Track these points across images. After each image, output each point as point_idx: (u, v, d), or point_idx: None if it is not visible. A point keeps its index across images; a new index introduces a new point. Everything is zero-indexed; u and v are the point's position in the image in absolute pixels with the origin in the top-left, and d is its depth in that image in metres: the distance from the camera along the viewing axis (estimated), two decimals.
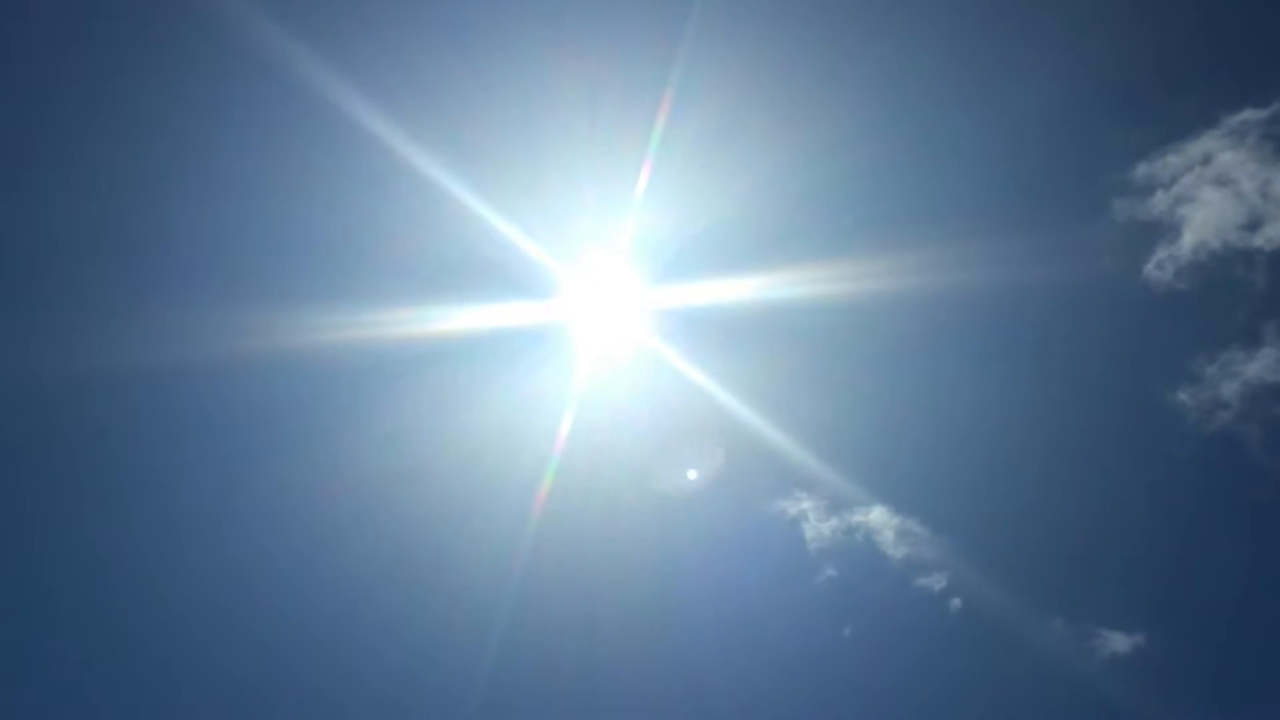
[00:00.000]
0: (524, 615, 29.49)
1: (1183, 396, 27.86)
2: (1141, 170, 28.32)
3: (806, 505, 29.52)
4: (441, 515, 30.08)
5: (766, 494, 30.03)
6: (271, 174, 31.12)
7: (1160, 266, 27.86)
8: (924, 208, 30.44)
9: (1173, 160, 27.86)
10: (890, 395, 30.50)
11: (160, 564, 29.86)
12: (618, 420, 31.42)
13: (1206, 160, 27.66)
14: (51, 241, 30.77)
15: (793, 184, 30.95)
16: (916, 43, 30.90)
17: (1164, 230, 28.11)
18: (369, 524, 29.99)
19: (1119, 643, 27.42)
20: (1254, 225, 27.48)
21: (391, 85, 30.60)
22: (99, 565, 30.06)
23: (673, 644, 29.30)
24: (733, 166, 31.26)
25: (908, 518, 28.98)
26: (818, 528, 29.29)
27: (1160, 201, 27.95)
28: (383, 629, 29.71)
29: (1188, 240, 27.64)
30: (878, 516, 29.09)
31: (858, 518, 29.23)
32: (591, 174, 31.19)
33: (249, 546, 29.99)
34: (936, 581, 28.49)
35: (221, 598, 29.73)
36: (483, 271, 30.87)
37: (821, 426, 30.10)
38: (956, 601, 28.37)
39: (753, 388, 30.60)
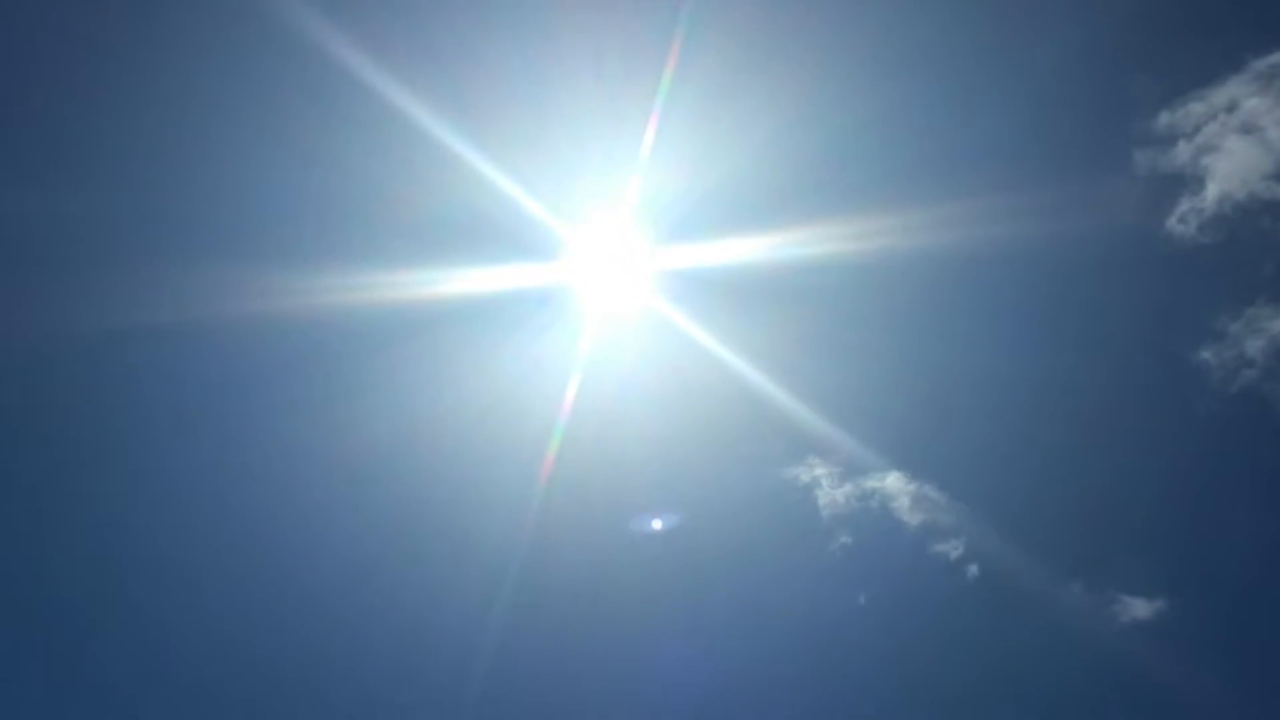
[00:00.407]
0: (532, 579, 28.81)
1: (1206, 354, 26.96)
2: (1164, 118, 27.16)
3: (820, 471, 28.76)
4: (447, 480, 29.50)
5: (779, 461, 29.27)
6: (272, 133, 30.44)
7: (1184, 219, 26.74)
8: (939, 162, 29.46)
9: (1196, 108, 26.66)
10: (904, 357, 29.53)
11: (163, 528, 29.28)
12: (625, 384, 30.72)
13: (1232, 108, 26.47)
14: (50, 204, 30.02)
15: (804, 139, 30.08)
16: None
17: (1187, 181, 27.15)
18: (374, 489, 29.41)
19: (1140, 609, 26.67)
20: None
21: (392, 42, 29.77)
22: (100, 531, 29.55)
23: (684, 614, 28.61)
24: (742, 122, 30.35)
25: (924, 483, 28.18)
26: (831, 494, 28.46)
27: (1183, 151, 26.81)
28: (389, 596, 29.00)
29: (1211, 191, 26.54)
30: (893, 482, 28.29)
31: (872, 483, 28.41)
32: (597, 132, 30.46)
33: (253, 510, 29.34)
34: (953, 548, 27.69)
35: (227, 562, 29.10)
36: (487, 232, 30.18)
37: (834, 390, 29.33)
38: (973, 568, 27.62)
39: (763, 350, 29.83)
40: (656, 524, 29.61)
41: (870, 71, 30.12)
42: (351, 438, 29.44)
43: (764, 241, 30.31)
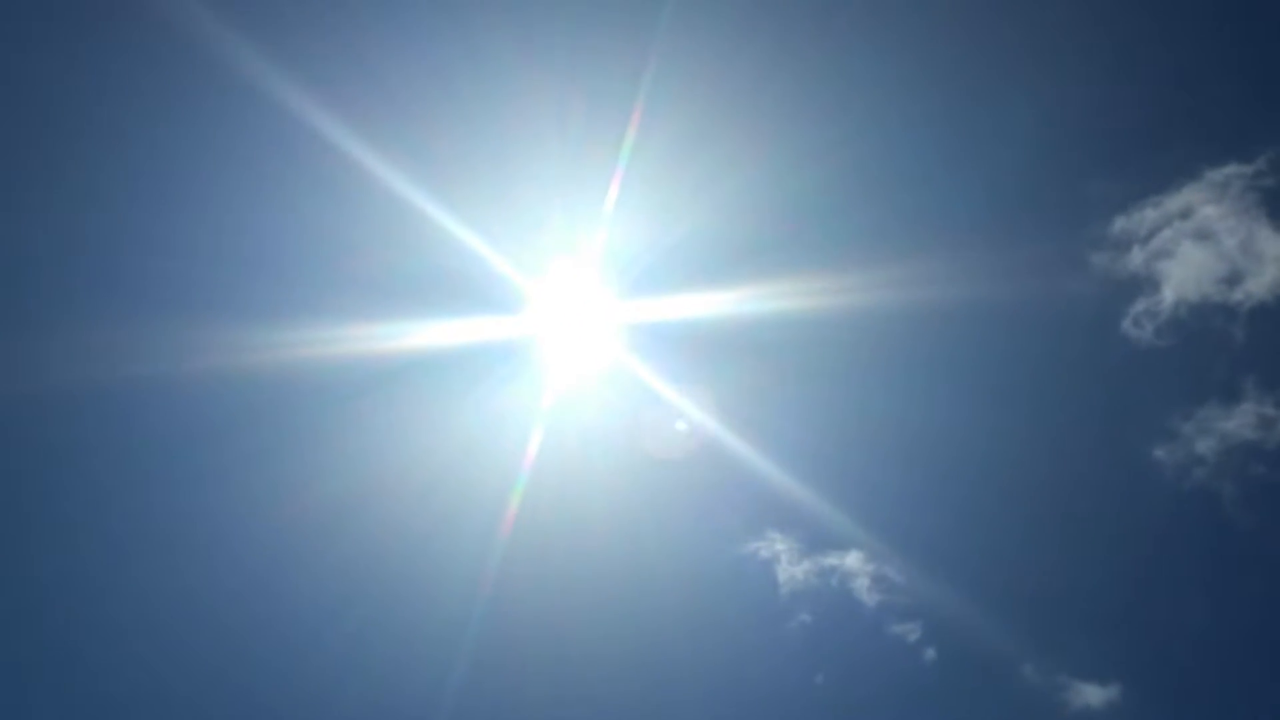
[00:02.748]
0: (491, 636, 28.29)
1: (1159, 451, 26.59)
2: (1120, 223, 26.45)
3: (780, 547, 28.14)
4: (410, 532, 28.75)
5: (740, 532, 28.61)
6: (239, 188, 29.91)
7: (1138, 322, 26.18)
8: (897, 240, 28.59)
9: (1151, 214, 25.87)
10: (864, 421, 28.94)
11: (128, 580, 28.74)
12: (587, 437, 30.10)
13: (1186, 214, 25.67)
14: (25, 259, 29.35)
15: (764, 197, 29.59)
16: (894, 66, 29.01)
17: (1142, 285, 26.47)
18: (337, 540, 28.56)
19: (1092, 695, 26.34)
20: (1233, 281, 25.61)
21: (358, 98, 28.94)
22: (68, 580, 28.85)
23: (642, 682, 28.08)
24: (703, 179, 29.76)
25: (883, 563, 27.58)
26: (791, 570, 27.99)
27: (1138, 255, 26.16)
28: (351, 646, 28.53)
29: (1167, 295, 25.91)
30: (853, 561, 27.70)
31: (832, 561, 27.82)
32: (561, 186, 29.75)
33: (216, 563, 28.76)
34: (911, 630, 27.29)
35: (189, 614, 28.54)
36: (451, 286, 29.52)
37: (796, 455, 28.65)
38: (930, 651, 27.30)
39: (725, 406, 29.32)
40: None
41: (829, 134, 29.40)
42: (318, 489, 28.79)
43: (724, 297, 29.66)
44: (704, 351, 29.84)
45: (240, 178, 29.69)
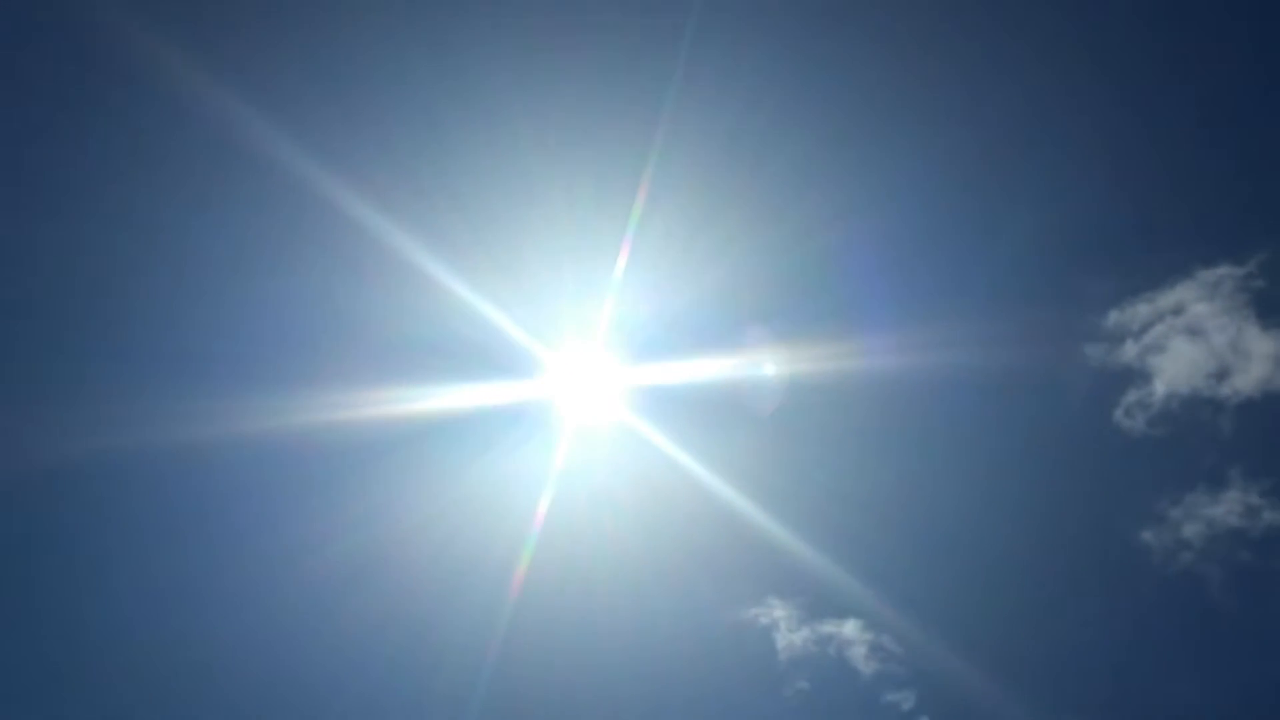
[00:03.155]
0: (499, 696, 28.71)
1: (1148, 536, 27.09)
2: (1114, 317, 26.96)
3: (779, 614, 28.66)
4: (421, 593, 29.31)
5: (741, 598, 29.13)
6: (259, 260, 30.35)
7: (1130, 412, 26.69)
8: (898, 315, 28.96)
9: (1145, 309, 26.37)
10: (864, 489, 29.44)
11: (139, 645, 29.21)
12: (596, 499, 30.48)
13: (1179, 311, 26.17)
14: (31, 326, 29.97)
15: (767, 267, 30.07)
16: (897, 150, 29.38)
17: (1135, 376, 26.99)
18: (350, 602, 29.15)
19: None
20: (1222, 376, 26.11)
21: (377, 175, 29.40)
22: (75, 650, 29.54)
23: None
24: (709, 249, 30.24)
25: (880, 632, 28.13)
26: (789, 637, 28.52)
27: (1131, 349, 26.63)
28: (361, 708, 29.12)
29: (1158, 388, 26.47)
30: (850, 629, 28.24)
31: (829, 629, 28.36)
32: (572, 255, 30.21)
33: (228, 628, 29.28)
34: (905, 699, 27.76)
35: (200, 677, 29.08)
36: (464, 352, 29.95)
37: (797, 515, 29.13)
38: None
39: (732, 469, 29.63)
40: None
41: (831, 210, 29.73)
42: (333, 551, 29.30)
43: (731, 362, 30.17)
44: (710, 415, 30.18)
45: (262, 250, 30.15)
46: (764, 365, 30.03)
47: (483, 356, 29.93)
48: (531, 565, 29.61)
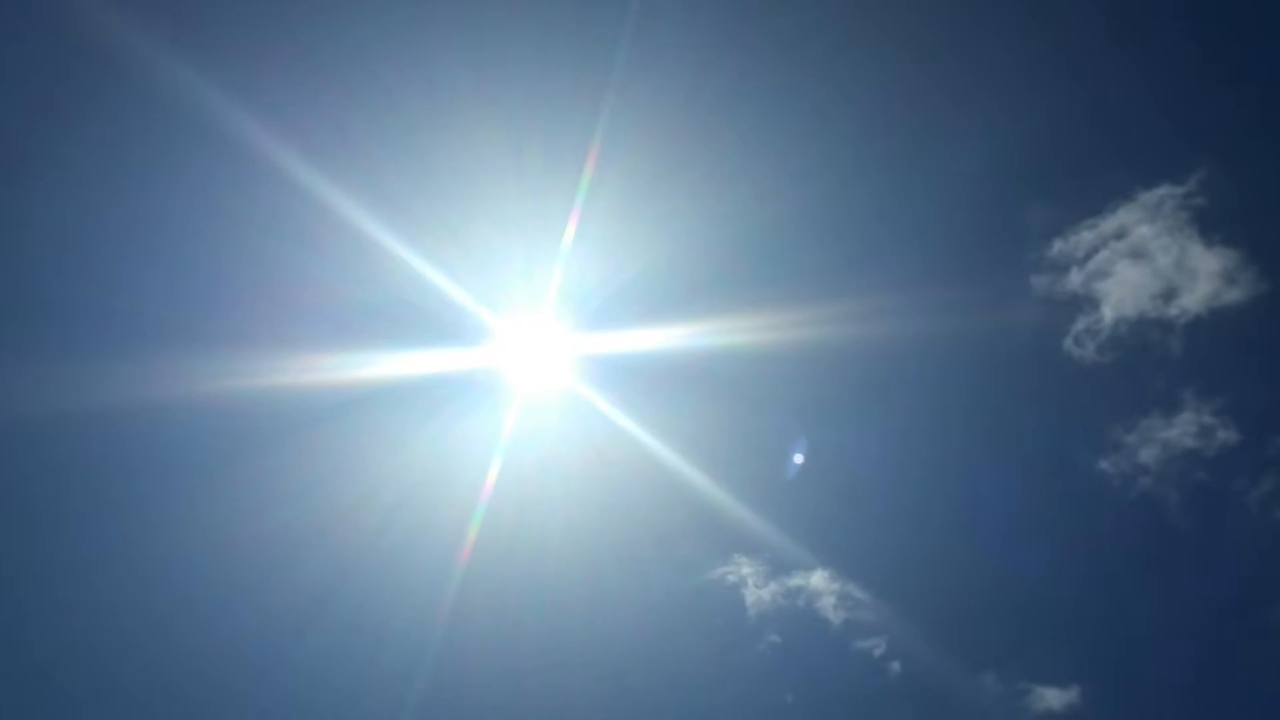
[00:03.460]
0: (449, 666, 28.01)
1: (1105, 464, 27.10)
2: (1058, 246, 27.23)
3: (746, 570, 28.20)
4: (367, 563, 28.50)
5: (706, 558, 28.68)
6: (201, 222, 29.54)
7: (1079, 340, 26.77)
8: (844, 273, 29.29)
9: (1088, 236, 26.64)
10: (821, 447, 29.40)
11: (80, 613, 28.21)
12: (546, 468, 29.98)
13: (1121, 235, 26.45)
14: None
15: (717, 234, 29.90)
16: (838, 107, 29.67)
17: (1082, 304, 27.22)
18: (295, 569, 28.34)
19: (1053, 698, 26.54)
20: (1169, 296, 26.34)
21: (320, 134, 29.02)
22: (19, 620, 28.40)
23: (608, 709, 27.95)
24: (659, 216, 30.08)
25: (847, 581, 27.84)
26: (758, 593, 28.05)
27: (1077, 277, 26.84)
28: (307, 676, 28.26)
29: (1106, 314, 26.71)
30: (818, 581, 27.88)
31: (798, 582, 27.97)
32: (520, 222, 29.83)
33: (165, 597, 28.26)
34: (876, 645, 27.44)
35: (143, 647, 28.08)
36: (411, 319, 29.48)
37: (756, 483, 28.99)
38: (895, 665, 27.44)
39: (683, 437, 29.31)
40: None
41: (782, 172, 29.87)
42: (276, 518, 28.60)
43: (679, 330, 29.91)
44: (660, 383, 29.87)
45: (204, 212, 29.45)
46: (713, 333, 29.63)
47: (431, 323, 29.55)
48: (480, 535, 28.92)
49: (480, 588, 28.52)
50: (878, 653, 27.31)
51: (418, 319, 29.45)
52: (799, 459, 28.92)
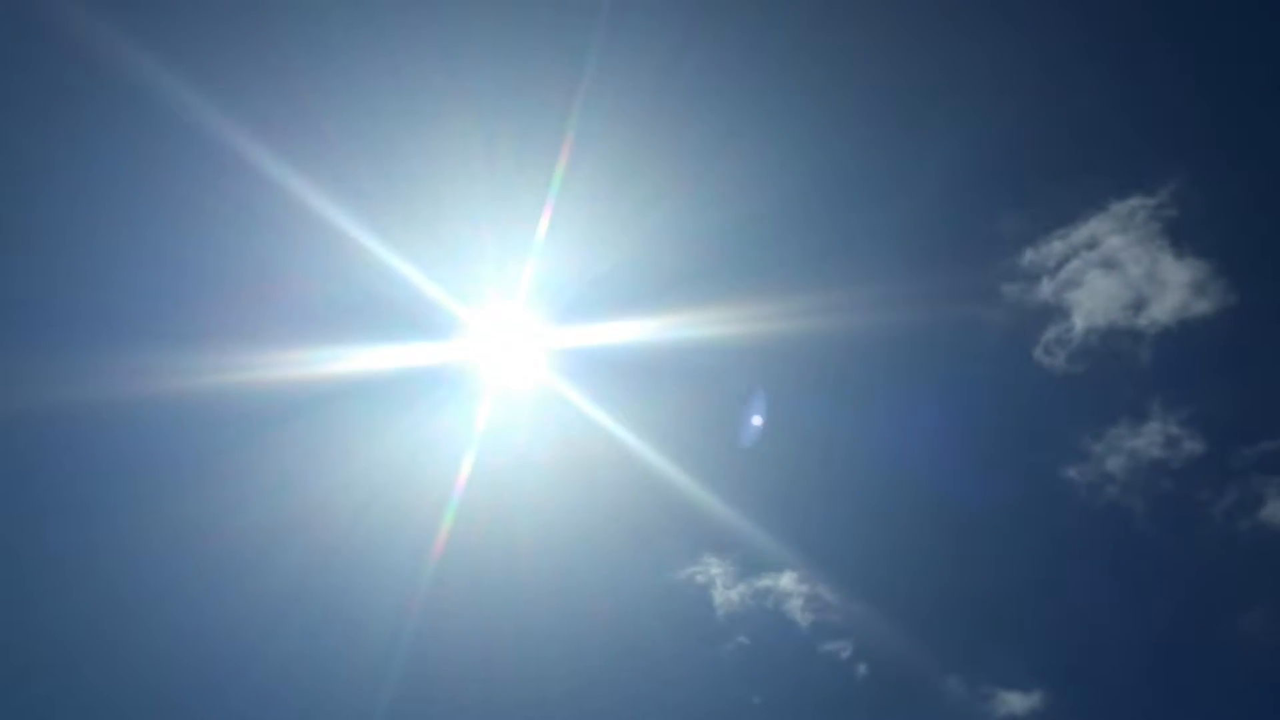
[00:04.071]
0: (421, 660, 28.03)
1: (1072, 472, 27.08)
2: (1030, 256, 27.03)
3: (716, 571, 28.18)
4: (340, 557, 28.45)
5: (676, 557, 28.68)
6: (172, 216, 29.10)
7: (1049, 349, 26.63)
8: (817, 271, 28.87)
9: (1060, 246, 26.40)
10: (791, 445, 29.22)
11: (52, 608, 28.02)
12: (519, 462, 29.82)
13: (1093, 245, 26.21)
14: None
15: (690, 228, 29.58)
16: (812, 105, 29.24)
17: (1053, 313, 27.04)
18: (268, 564, 28.19)
19: (1016, 702, 26.70)
20: (1139, 307, 26.17)
21: (292, 129, 28.47)
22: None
23: (576, 705, 27.92)
24: (632, 210, 29.74)
25: (816, 583, 27.80)
26: (727, 594, 28.06)
27: (1048, 286, 26.61)
28: (280, 670, 28.23)
29: (1076, 323, 26.58)
30: (786, 582, 27.88)
31: (766, 583, 27.97)
32: (493, 216, 29.38)
33: (143, 590, 28.18)
34: (843, 648, 27.48)
35: (116, 641, 28.01)
36: (384, 313, 29.15)
37: (726, 474, 28.77)
38: (862, 667, 27.50)
39: (656, 431, 29.12)
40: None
41: (753, 169, 29.43)
42: (249, 514, 28.42)
43: (652, 324, 29.63)
44: (633, 377, 29.67)
45: (174, 207, 28.99)
46: (687, 327, 29.35)
47: (404, 317, 29.21)
48: (453, 530, 28.75)
49: (453, 582, 28.52)
50: (845, 655, 27.39)
51: (391, 313, 29.11)
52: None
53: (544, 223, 29.05)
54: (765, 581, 27.81)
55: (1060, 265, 26.56)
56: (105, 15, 27.45)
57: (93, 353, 28.57)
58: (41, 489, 28.91)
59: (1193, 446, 25.75)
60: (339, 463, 29.08)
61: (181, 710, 27.79)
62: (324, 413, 29.01)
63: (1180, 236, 25.83)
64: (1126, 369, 26.61)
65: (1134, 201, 26.19)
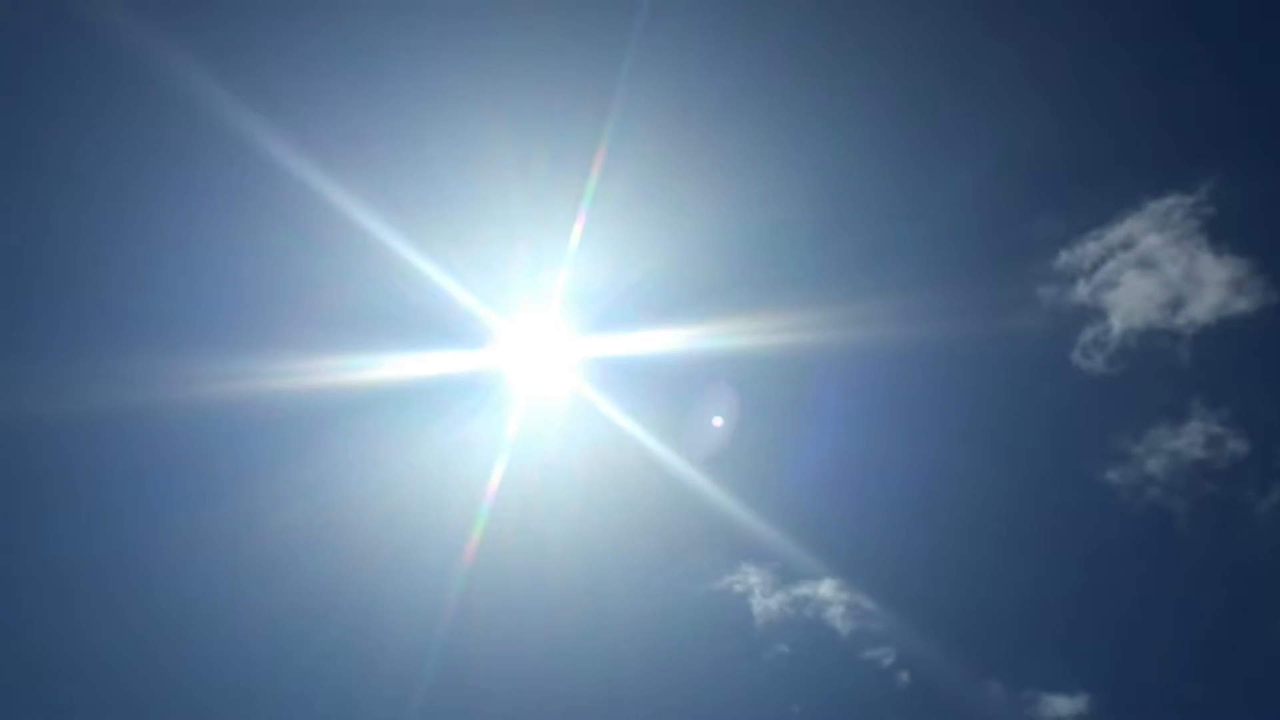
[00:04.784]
0: (453, 669, 27.42)
1: (1113, 475, 26.54)
2: (1065, 258, 26.76)
3: (754, 580, 27.66)
4: (372, 564, 27.99)
5: (713, 566, 28.20)
6: (208, 224, 29.18)
7: (1087, 352, 26.25)
8: (851, 279, 28.60)
9: (1095, 247, 26.07)
10: (827, 453, 28.86)
11: (85, 614, 27.72)
12: (549, 470, 29.41)
13: (1129, 245, 25.87)
14: None
15: (723, 237, 29.33)
16: (845, 112, 29.20)
17: (1090, 315, 26.69)
18: (299, 572, 27.80)
19: (1061, 706, 26.06)
20: (1177, 306, 25.77)
21: (327, 136, 28.50)
22: (23, 620, 27.89)
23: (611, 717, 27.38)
24: (664, 219, 29.64)
25: (855, 591, 27.21)
26: (765, 603, 27.53)
27: (1084, 288, 26.28)
28: (312, 677, 27.67)
29: (1114, 324, 26.20)
30: (826, 590, 27.30)
31: (805, 591, 27.37)
32: (526, 225, 29.30)
33: (177, 596, 27.75)
34: (885, 655, 26.83)
35: (151, 647, 27.50)
36: (417, 320, 28.99)
37: (760, 483, 28.41)
38: (904, 675, 26.81)
39: (687, 441, 28.86)
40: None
41: (786, 178, 29.45)
42: (282, 521, 27.95)
43: (686, 333, 29.37)
44: (665, 386, 29.39)
45: (209, 213, 29.05)
46: (718, 337, 29.10)
47: (437, 325, 29.06)
48: (484, 537, 28.37)
49: (484, 589, 28.03)
50: (887, 662, 26.77)
51: (424, 321, 28.99)
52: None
53: (577, 231, 28.93)
54: (804, 589, 27.28)
55: (1096, 266, 26.25)
56: (146, 17, 27.38)
57: (128, 358, 28.43)
58: (81, 493, 28.83)
59: (1235, 446, 25.27)
60: (371, 469, 28.68)
61: (217, 715, 27.05)
62: (356, 419, 28.70)
63: (1219, 234, 25.46)
64: (1166, 369, 26.21)
65: (1171, 200, 25.84)
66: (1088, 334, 26.44)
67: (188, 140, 28.63)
